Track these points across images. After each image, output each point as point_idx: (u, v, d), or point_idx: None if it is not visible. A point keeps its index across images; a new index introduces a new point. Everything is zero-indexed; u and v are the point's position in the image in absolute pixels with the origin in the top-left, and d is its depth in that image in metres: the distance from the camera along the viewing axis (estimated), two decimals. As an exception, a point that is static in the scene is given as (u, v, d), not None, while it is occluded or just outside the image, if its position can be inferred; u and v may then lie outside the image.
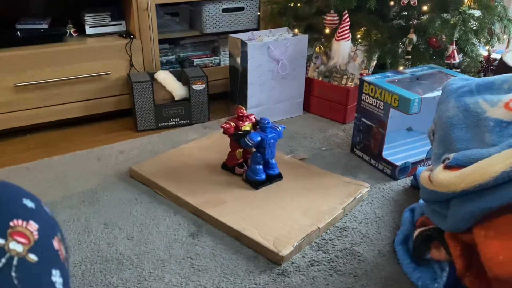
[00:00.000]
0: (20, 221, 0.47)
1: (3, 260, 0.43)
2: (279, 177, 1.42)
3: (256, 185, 1.38)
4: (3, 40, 1.69)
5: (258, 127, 1.40)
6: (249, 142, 1.32)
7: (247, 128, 1.41)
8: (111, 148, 1.68)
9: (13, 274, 0.43)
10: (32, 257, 0.45)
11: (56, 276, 0.47)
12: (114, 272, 1.08)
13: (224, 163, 1.49)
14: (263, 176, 1.39)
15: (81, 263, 1.11)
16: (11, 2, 1.84)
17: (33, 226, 0.48)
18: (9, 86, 1.67)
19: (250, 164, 1.40)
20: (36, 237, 0.47)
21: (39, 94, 1.74)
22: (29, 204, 0.50)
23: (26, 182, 1.45)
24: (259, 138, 1.33)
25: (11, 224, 0.46)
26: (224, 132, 1.41)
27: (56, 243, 0.50)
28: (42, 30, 1.77)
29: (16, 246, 0.44)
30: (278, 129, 1.38)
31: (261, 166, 1.39)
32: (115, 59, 1.83)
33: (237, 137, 1.39)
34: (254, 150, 1.39)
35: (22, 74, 1.68)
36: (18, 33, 1.73)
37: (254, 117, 1.45)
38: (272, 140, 1.36)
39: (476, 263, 0.93)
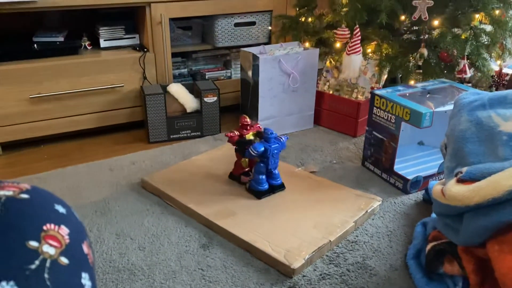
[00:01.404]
0: (52, 225, 0.49)
1: (37, 262, 0.44)
2: (281, 187, 1.43)
3: (259, 195, 1.39)
4: (21, 53, 1.73)
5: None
6: (253, 152, 1.33)
7: (251, 137, 1.42)
8: (124, 159, 1.69)
9: (46, 275, 0.44)
10: (64, 260, 0.47)
11: (85, 279, 0.49)
12: (126, 282, 1.09)
13: (231, 172, 1.50)
14: (266, 186, 1.40)
15: (93, 273, 1.11)
16: (29, 16, 1.88)
17: (64, 230, 0.50)
18: (25, 97, 1.70)
19: (253, 174, 1.41)
20: (67, 241, 0.49)
21: (54, 106, 1.77)
22: (61, 209, 0.52)
23: (39, 192, 1.47)
24: (262, 149, 1.34)
25: (44, 228, 0.48)
26: (229, 141, 1.43)
27: (85, 248, 0.52)
28: (58, 43, 1.81)
29: (49, 249, 0.46)
30: (281, 140, 1.39)
31: (264, 176, 1.39)
32: (129, 71, 1.85)
33: (239, 146, 1.40)
34: (258, 160, 1.40)
35: (38, 85, 1.71)
36: (35, 45, 1.77)
37: (259, 127, 1.46)
38: (275, 151, 1.37)
39: (490, 278, 0.92)
